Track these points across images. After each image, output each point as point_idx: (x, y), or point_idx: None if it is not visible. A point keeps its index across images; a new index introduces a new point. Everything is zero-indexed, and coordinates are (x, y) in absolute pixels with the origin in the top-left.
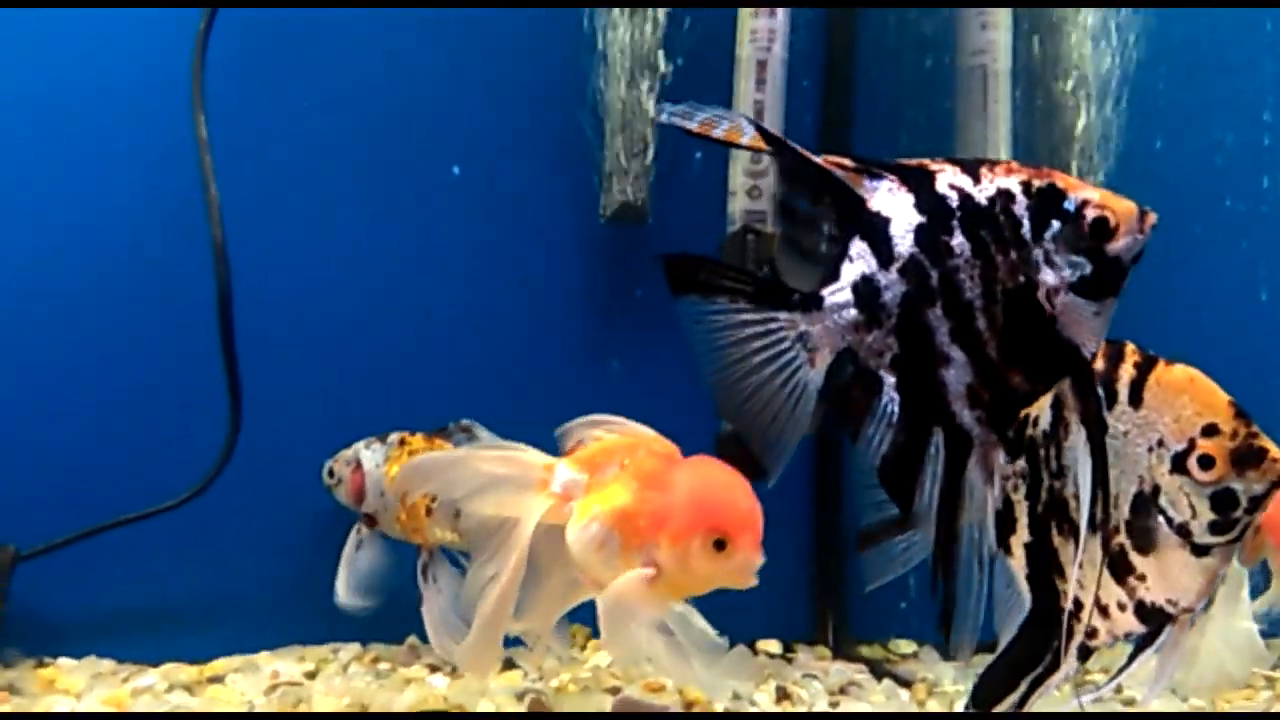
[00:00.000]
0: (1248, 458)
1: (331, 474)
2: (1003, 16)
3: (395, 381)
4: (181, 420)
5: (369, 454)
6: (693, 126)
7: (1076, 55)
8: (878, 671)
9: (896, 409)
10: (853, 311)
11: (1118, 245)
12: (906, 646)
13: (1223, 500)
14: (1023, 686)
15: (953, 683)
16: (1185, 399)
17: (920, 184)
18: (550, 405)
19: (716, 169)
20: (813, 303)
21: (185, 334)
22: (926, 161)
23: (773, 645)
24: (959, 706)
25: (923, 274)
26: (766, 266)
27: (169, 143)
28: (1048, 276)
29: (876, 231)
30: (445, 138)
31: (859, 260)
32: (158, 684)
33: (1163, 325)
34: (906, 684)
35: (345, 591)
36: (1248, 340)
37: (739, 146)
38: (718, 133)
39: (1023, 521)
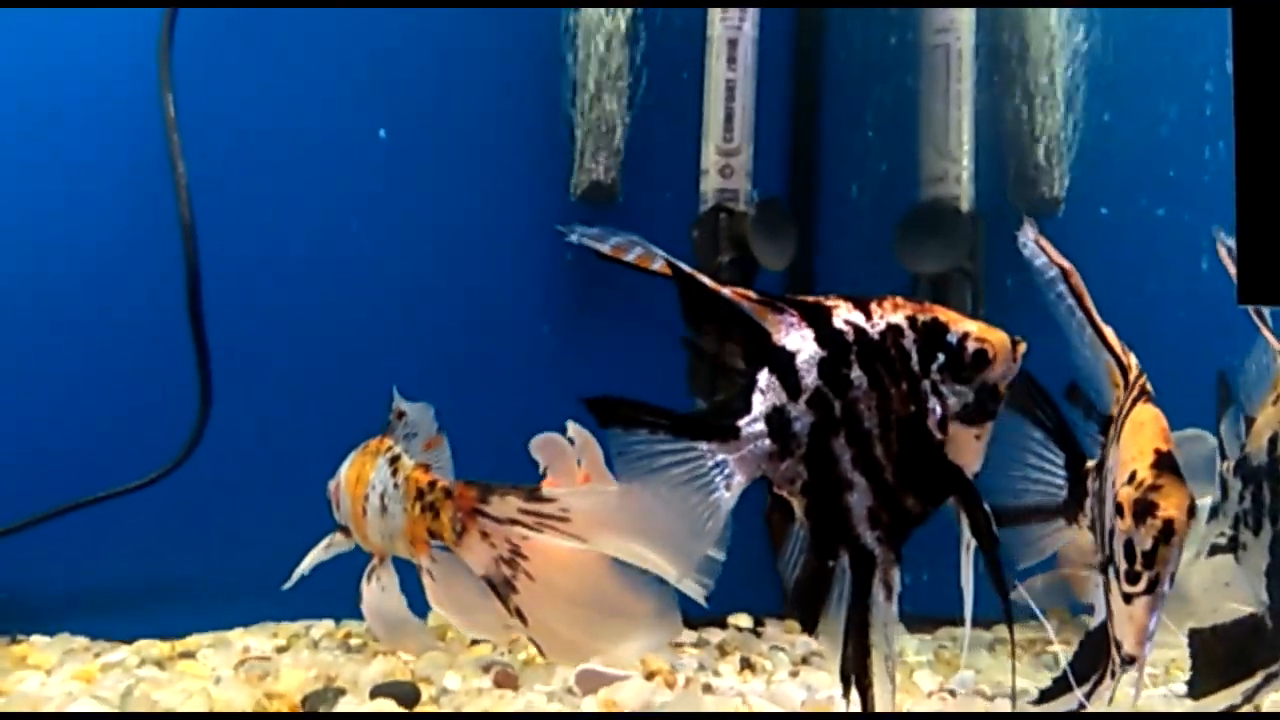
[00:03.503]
0: (1141, 510)
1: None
2: None
3: (365, 358)
4: (153, 398)
5: (345, 463)
6: (605, 249)
7: (1044, 33)
8: None
9: (806, 533)
10: (766, 441)
11: (995, 374)
12: None
13: (1128, 551)
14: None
15: (915, 653)
16: (1132, 441)
17: (818, 320)
18: (519, 383)
19: (688, 148)
20: (730, 433)
21: (155, 312)
22: (822, 298)
23: (743, 619)
24: (918, 676)
25: (827, 405)
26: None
27: (136, 122)
28: (935, 406)
29: (784, 365)
30: (415, 116)
31: (770, 392)
32: (128, 659)
33: (1107, 294)
34: None
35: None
36: (1190, 309)
37: (649, 273)
38: (629, 257)
39: None
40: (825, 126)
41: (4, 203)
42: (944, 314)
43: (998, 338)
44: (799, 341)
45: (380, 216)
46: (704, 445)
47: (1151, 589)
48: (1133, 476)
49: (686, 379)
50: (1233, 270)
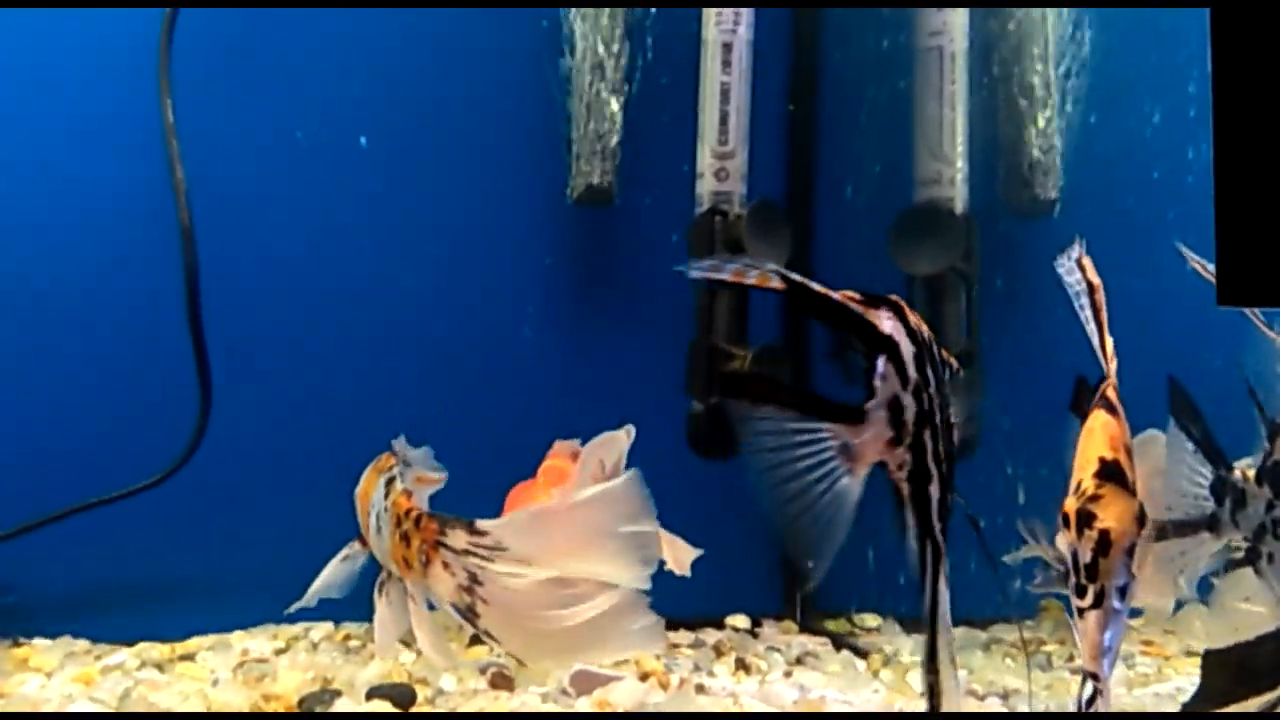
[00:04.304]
0: (1081, 521)
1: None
2: None
3: (364, 362)
4: (153, 402)
5: (364, 474)
6: (726, 277)
7: (1037, 33)
8: (838, 643)
9: (913, 523)
10: (887, 427)
11: None
12: (871, 620)
13: (1074, 564)
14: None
15: (910, 654)
16: (1081, 450)
17: (902, 316)
18: (517, 386)
19: (683, 151)
20: (858, 416)
21: (154, 316)
22: (893, 296)
23: (741, 620)
24: (912, 677)
25: (924, 396)
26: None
27: (135, 127)
28: (952, 404)
29: (894, 354)
30: (411, 120)
31: (889, 380)
32: (128, 661)
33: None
34: (863, 654)
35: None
36: (1173, 311)
37: (769, 290)
38: (750, 279)
39: None
40: (821, 128)
41: (2, 206)
42: None
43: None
44: (899, 335)
45: (377, 220)
46: (830, 426)
47: (1098, 603)
48: (1078, 486)
49: (685, 381)
50: (1207, 275)
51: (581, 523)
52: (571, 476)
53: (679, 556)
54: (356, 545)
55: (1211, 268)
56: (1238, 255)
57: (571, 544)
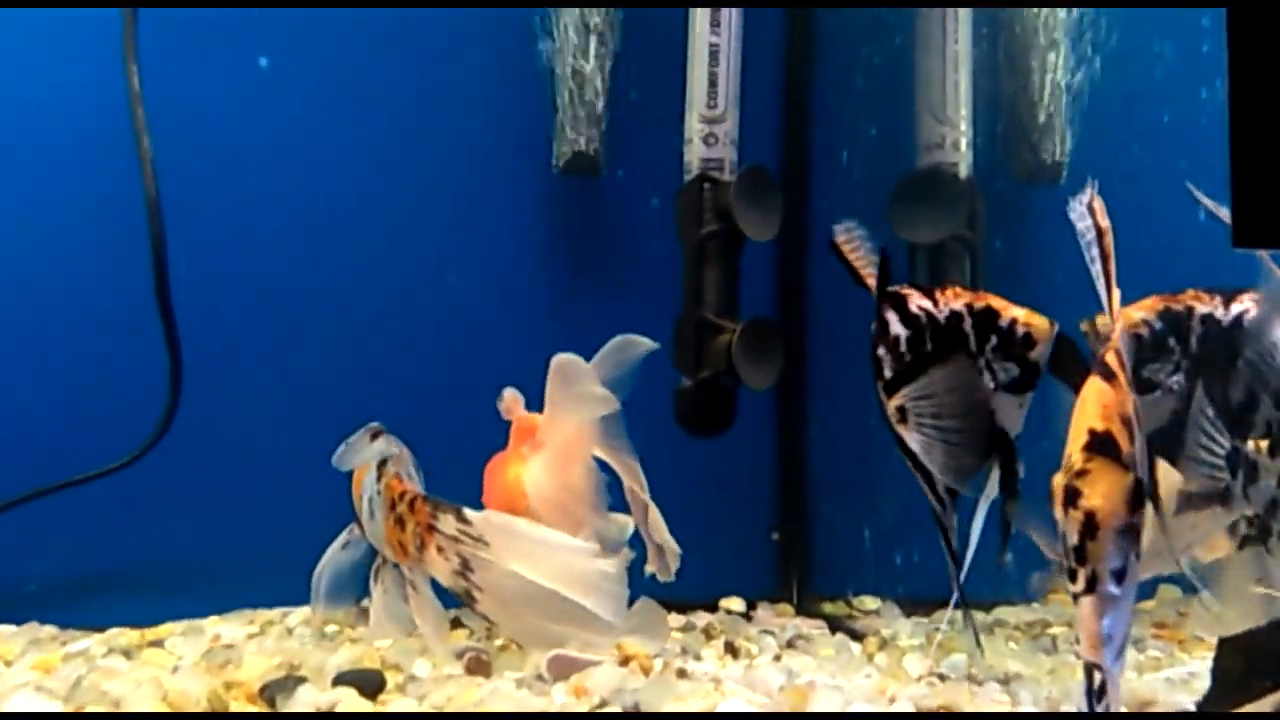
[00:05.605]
0: (1066, 499)
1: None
2: None
3: (341, 337)
4: (122, 381)
5: None
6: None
7: None
8: (834, 626)
9: None
10: None
11: (1037, 352)
12: (870, 603)
13: (1064, 543)
14: None
15: (909, 637)
16: (1074, 421)
17: (899, 304)
18: (502, 355)
19: (671, 117)
20: None
21: (121, 294)
22: (901, 287)
23: (736, 603)
24: (908, 660)
25: None
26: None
27: (100, 95)
28: (988, 379)
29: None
30: (393, 88)
31: None
32: (94, 648)
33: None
34: (859, 637)
35: (319, 597)
36: (1185, 260)
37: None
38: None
39: None
40: (817, 89)
41: None
42: (997, 302)
43: (1039, 321)
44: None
45: (357, 191)
46: None
47: (1091, 588)
48: (1067, 460)
49: (671, 355)
50: (1223, 217)
51: (548, 563)
52: (539, 433)
53: (667, 563)
54: (356, 530)
55: (1225, 210)
56: (1254, 197)
57: (537, 570)
